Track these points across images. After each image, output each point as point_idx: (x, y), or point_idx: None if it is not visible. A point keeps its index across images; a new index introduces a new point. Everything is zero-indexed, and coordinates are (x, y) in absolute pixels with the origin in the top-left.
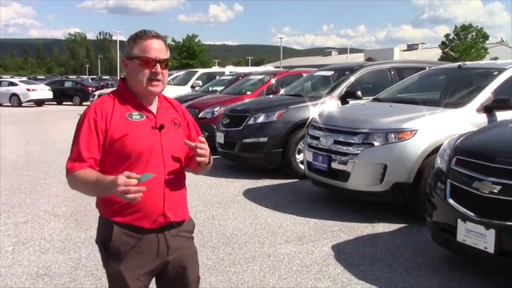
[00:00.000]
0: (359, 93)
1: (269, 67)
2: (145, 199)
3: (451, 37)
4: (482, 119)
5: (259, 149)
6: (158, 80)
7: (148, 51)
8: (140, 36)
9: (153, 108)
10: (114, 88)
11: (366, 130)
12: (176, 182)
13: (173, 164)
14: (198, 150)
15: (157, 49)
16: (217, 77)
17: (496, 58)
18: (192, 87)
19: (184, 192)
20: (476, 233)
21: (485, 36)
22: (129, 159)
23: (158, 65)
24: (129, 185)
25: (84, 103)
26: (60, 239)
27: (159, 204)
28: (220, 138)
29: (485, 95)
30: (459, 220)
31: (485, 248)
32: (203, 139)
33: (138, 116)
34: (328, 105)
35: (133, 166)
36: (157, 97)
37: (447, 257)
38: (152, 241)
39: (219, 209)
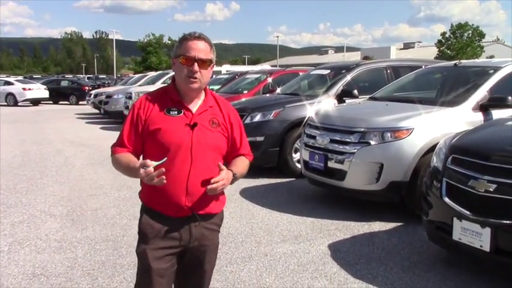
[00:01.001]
0: (355, 92)
1: (266, 66)
2: (168, 191)
3: (447, 35)
4: (478, 117)
5: (255, 148)
6: (195, 78)
7: (189, 50)
8: (185, 37)
9: (194, 106)
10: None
11: (363, 129)
12: (204, 178)
13: (203, 161)
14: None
15: (197, 49)
16: (213, 76)
17: (492, 56)
18: None
19: None
20: (472, 232)
21: (481, 35)
22: (160, 150)
23: (196, 63)
24: (149, 172)
25: (80, 102)
26: (56, 238)
27: (182, 197)
28: None
29: (481, 93)
30: (455, 218)
31: (480, 246)
32: (223, 177)
33: (176, 112)
34: (324, 104)
35: (162, 157)
36: (203, 95)
37: (443, 255)
38: (176, 228)
39: None
